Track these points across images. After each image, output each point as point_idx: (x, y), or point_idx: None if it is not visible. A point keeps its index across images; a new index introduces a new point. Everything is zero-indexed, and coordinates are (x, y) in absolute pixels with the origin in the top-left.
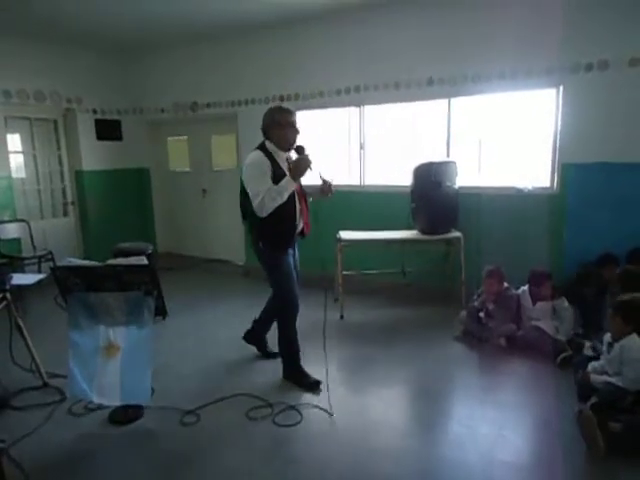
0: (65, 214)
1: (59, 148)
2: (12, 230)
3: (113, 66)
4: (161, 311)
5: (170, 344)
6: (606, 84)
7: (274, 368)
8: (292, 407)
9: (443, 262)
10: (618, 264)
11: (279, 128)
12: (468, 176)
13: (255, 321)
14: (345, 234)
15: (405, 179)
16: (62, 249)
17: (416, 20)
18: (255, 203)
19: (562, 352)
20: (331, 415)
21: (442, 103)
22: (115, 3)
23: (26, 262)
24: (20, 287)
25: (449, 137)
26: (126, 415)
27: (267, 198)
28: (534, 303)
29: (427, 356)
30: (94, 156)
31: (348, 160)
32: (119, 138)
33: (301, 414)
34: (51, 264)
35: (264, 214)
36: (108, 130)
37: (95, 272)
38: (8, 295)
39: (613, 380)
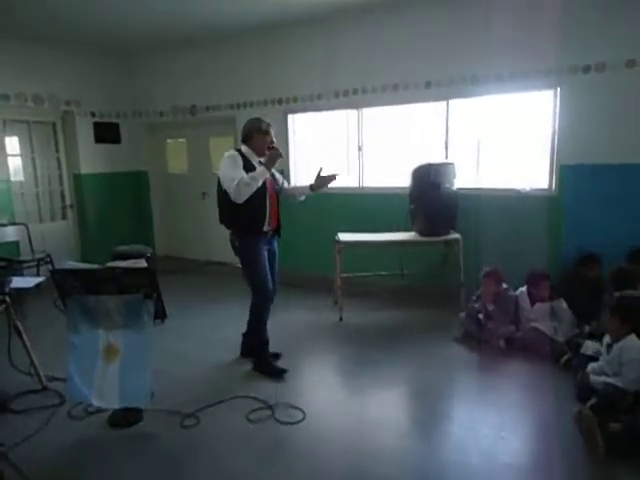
0: (64, 217)
1: (57, 151)
2: (11, 233)
3: (112, 69)
4: (160, 314)
5: (169, 347)
6: (604, 86)
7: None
8: (293, 408)
9: (442, 264)
10: (601, 262)
11: (261, 134)
12: (467, 178)
13: (244, 334)
14: (344, 236)
15: (403, 181)
16: (61, 252)
17: (414, 23)
18: (231, 189)
19: (561, 353)
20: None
21: (440, 105)
22: (114, 7)
23: (25, 265)
24: (19, 290)
25: (447, 139)
26: (126, 418)
27: (242, 183)
28: (532, 304)
29: (427, 358)
30: (93, 159)
31: (347, 162)
32: (118, 141)
33: (303, 414)
34: (50, 267)
35: (240, 200)
36: (107, 133)
37: (94, 275)
38: (7, 298)
39: (612, 381)
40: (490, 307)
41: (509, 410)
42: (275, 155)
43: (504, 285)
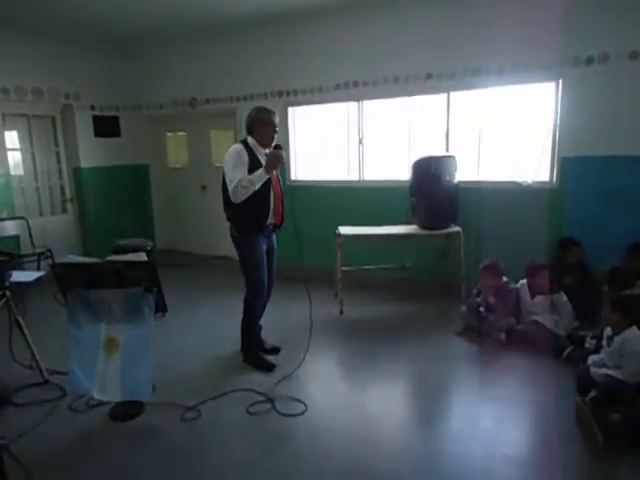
0: (64, 211)
1: (57, 145)
2: (11, 227)
3: (112, 62)
4: (161, 307)
5: (170, 340)
6: (606, 77)
7: (276, 363)
8: (294, 400)
9: (443, 257)
10: (580, 247)
11: (262, 126)
12: (468, 171)
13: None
14: (344, 229)
15: (404, 174)
16: (61, 246)
17: (415, 15)
18: (230, 189)
19: (562, 347)
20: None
21: (441, 97)
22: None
23: (25, 259)
24: (19, 284)
25: (448, 131)
26: (127, 411)
27: (240, 186)
28: (533, 297)
29: (428, 351)
30: (92, 153)
31: (347, 155)
32: (117, 134)
33: (305, 406)
34: (50, 261)
35: (237, 201)
36: (106, 127)
37: (95, 269)
38: (7, 292)
39: (613, 373)
40: (491, 300)
41: (509, 403)
42: (275, 158)
43: (504, 278)
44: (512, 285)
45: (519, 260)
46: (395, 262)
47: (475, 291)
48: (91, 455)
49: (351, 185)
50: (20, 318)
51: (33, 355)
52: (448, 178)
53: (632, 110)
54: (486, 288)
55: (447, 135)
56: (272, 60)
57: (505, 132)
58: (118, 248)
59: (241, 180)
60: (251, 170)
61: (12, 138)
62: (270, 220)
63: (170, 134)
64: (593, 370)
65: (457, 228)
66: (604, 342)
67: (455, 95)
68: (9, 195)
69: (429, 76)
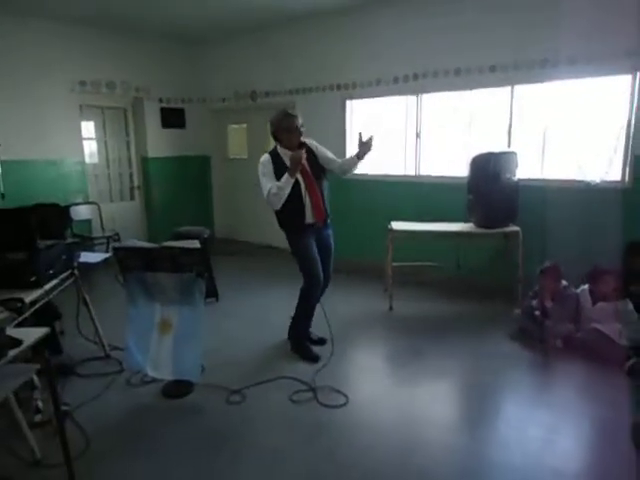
0: (132, 198)
1: (127, 135)
2: (84, 212)
3: (180, 57)
4: (212, 293)
5: (221, 325)
6: None
7: (320, 353)
8: (336, 392)
9: (500, 257)
10: None
11: (287, 132)
12: (530, 168)
13: (292, 317)
14: (397, 224)
15: (462, 170)
16: (128, 230)
17: (477, 3)
18: (265, 199)
19: (625, 358)
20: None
21: (505, 90)
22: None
23: (95, 242)
24: (87, 265)
25: (511, 126)
26: (177, 390)
27: (271, 194)
28: (594, 303)
29: (479, 352)
30: (159, 143)
31: (404, 149)
32: (183, 126)
33: (346, 399)
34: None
35: (275, 207)
36: (173, 118)
37: (152, 253)
38: (76, 272)
39: None
40: (548, 304)
41: (561, 412)
42: (295, 160)
43: (564, 282)
44: (572, 290)
45: (582, 264)
46: (449, 259)
47: (531, 294)
48: (142, 427)
49: (407, 180)
50: (86, 296)
51: (97, 330)
52: (508, 175)
53: None
54: (544, 291)
55: (509, 130)
56: (331, 53)
57: (573, 128)
58: (177, 234)
59: (271, 188)
60: (279, 175)
61: (88, 128)
62: (309, 219)
63: (232, 126)
64: None
65: (516, 228)
66: None
67: (519, 88)
68: (84, 181)
69: (493, 68)
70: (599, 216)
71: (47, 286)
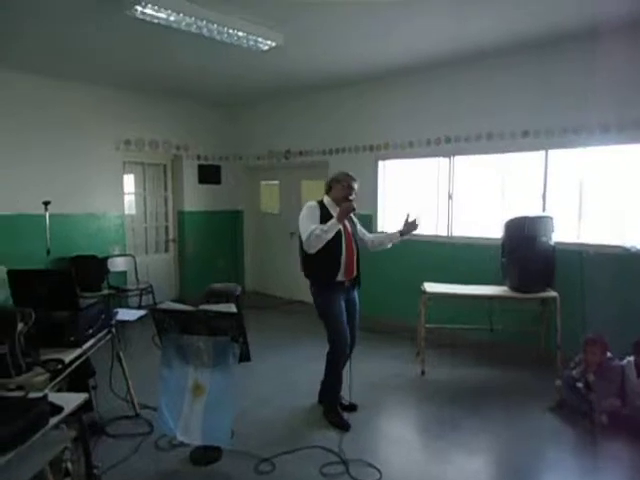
0: (166, 250)
1: (166, 189)
2: (121, 263)
3: (217, 117)
4: (245, 357)
5: (250, 387)
6: None
7: (351, 422)
8: (369, 466)
9: (537, 323)
10: None
11: (340, 186)
12: (567, 232)
13: (323, 382)
14: (430, 286)
15: (495, 232)
16: (161, 282)
17: (509, 72)
18: (304, 239)
19: None
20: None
21: (539, 154)
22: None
23: (130, 294)
24: (123, 322)
25: (545, 190)
26: (205, 456)
27: (313, 235)
28: (639, 376)
29: (517, 426)
30: (195, 198)
31: (436, 210)
32: (218, 182)
33: (380, 474)
34: (151, 296)
35: (312, 250)
36: (209, 174)
37: (188, 316)
38: (113, 330)
39: None
40: (591, 377)
41: None
42: (346, 208)
43: (608, 354)
44: (617, 362)
45: (624, 334)
46: (482, 323)
47: (572, 364)
48: None
49: (439, 240)
50: (121, 353)
51: (129, 389)
52: (544, 239)
53: None
54: (589, 363)
55: (544, 194)
56: (364, 115)
57: (610, 192)
58: (210, 292)
59: (315, 229)
60: (323, 223)
61: (129, 182)
62: (342, 276)
63: (264, 182)
64: None
65: (553, 293)
66: None
67: (554, 153)
68: (122, 234)
69: (525, 134)
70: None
71: (85, 345)
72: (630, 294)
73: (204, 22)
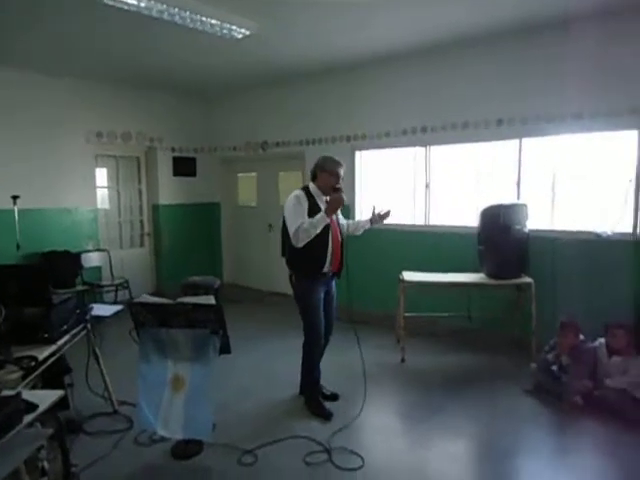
0: (141, 244)
1: (140, 183)
2: (95, 259)
3: (192, 108)
4: (225, 349)
5: (230, 379)
6: None
7: (333, 411)
8: (351, 453)
9: (512, 309)
10: None
11: (327, 174)
12: (540, 219)
13: (302, 373)
14: (408, 275)
15: (472, 220)
16: (137, 277)
17: (484, 60)
18: (291, 233)
19: None
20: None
21: (513, 143)
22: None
23: (105, 289)
24: (98, 318)
25: (519, 178)
26: (187, 449)
27: (301, 229)
28: (610, 357)
29: (495, 409)
30: (170, 191)
31: (413, 199)
32: (193, 174)
33: (362, 461)
34: (127, 292)
35: (298, 244)
36: (184, 167)
37: (166, 309)
38: (89, 325)
39: None
40: (564, 360)
41: (584, 476)
42: (336, 201)
43: (581, 337)
44: (589, 344)
45: (596, 317)
46: (461, 310)
47: (547, 347)
48: None
49: (416, 229)
50: (97, 349)
51: (106, 385)
52: (518, 227)
53: None
54: (562, 347)
55: (518, 182)
56: (341, 106)
57: (582, 180)
58: (188, 284)
59: (303, 223)
60: (310, 215)
61: (101, 176)
62: (327, 268)
63: (241, 174)
64: None
65: (528, 279)
66: None
67: (528, 141)
68: (95, 229)
69: (500, 122)
70: (611, 268)
71: (60, 342)
72: (601, 278)
73: (176, 9)
